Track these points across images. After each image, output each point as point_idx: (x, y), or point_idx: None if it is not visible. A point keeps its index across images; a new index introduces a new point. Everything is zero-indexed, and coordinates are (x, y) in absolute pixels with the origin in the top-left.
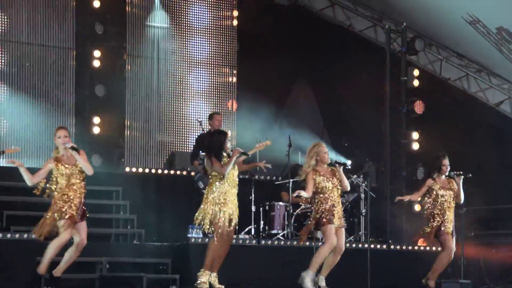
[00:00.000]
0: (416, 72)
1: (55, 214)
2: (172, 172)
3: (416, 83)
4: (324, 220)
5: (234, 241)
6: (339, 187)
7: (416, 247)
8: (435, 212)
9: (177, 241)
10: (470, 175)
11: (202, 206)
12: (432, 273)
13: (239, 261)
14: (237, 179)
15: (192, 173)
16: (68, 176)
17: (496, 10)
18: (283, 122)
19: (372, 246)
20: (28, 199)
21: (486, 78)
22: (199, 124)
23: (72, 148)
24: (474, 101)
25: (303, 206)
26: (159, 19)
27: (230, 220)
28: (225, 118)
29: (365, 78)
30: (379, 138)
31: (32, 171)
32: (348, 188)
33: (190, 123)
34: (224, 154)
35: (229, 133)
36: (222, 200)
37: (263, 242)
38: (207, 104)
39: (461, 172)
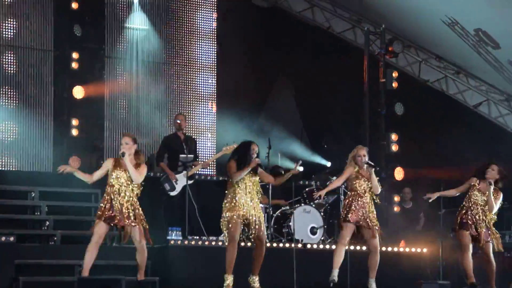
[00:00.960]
0: (395, 74)
1: (98, 213)
2: (151, 174)
3: (395, 85)
4: (342, 217)
5: (213, 243)
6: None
7: (395, 249)
8: None
9: (156, 244)
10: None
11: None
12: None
13: (218, 263)
14: (254, 187)
15: (158, 174)
16: (116, 179)
17: (474, 12)
18: (263, 124)
19: (352, 247)
20: (6, 202)
21: (465, 79)
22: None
23: (123, 154)
24: (453, 102)
25: (283, 208)
26: (138, 21)
27: (251, 224)
28: (205, 119)
29: (345, 80)
30: (359, 139)
31: (11, 174)
32: (378, 191)
33: (168, 125)
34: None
35: (256, 147)
36: (235, 206)
37: (242, 244)
38: (186, 106)
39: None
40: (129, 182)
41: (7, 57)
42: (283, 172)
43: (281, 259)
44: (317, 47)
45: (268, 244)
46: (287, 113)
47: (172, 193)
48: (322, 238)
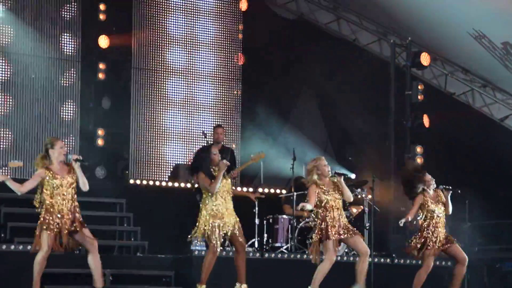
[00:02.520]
0: (420, 87)
1: (42, 226)
2: (176, 184)
3: (420, 97)
4: (323, 236)
5: None
6: (340, 199)
7: (420, 261)
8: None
9: (180, 254)
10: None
11: (197, 222)
12: None
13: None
14: (230, 191)
15: (189, 185)
16: (57, 187)
17: (501, 25)
18: (288, 135)
19: (376, 260)
20: (32, 211)
21: (491, 93)
22: (203, 136)
23: (76, 160)
24: (479, 116)
25: (306, 220)
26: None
27: (231, 232)
28: (230, 131)
29: (370, 92)
30: (383, 152)
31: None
32: (351, 199)
33: (194, 135)
34: (214, 167)
35: (216, 148)
36: (215, 214)
37: (266, 255)
38: (212, 117)
39: (449, 187)
40: (67, 187)
41: (27, 67)
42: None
43: (305, 271)
44: (342, 59)
45: (292, 256)
46: (312, 125)
47: None
48: (346, 250)
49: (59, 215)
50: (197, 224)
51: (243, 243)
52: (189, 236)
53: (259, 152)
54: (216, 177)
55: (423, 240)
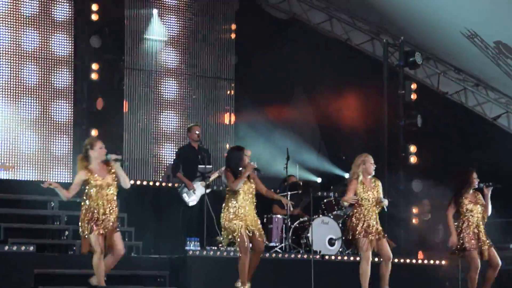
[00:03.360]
0: (413, 86)
1: (86, 228)
2: (170, 184)
3: (413, 96)
4: (357, 234)
5: (232, 253)
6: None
7: (414, 260)
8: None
9: (175, 254)
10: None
11: (222, 223)
12: None
13: (236, 273)
14: (253, 193)
15: (176, 185)
16: (98, 187)
17: (494, 25)
18: (281, 135)
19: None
20: (26, 211)
21: (484, 92)
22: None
23: (116, 160)
24: (472, 115)
25: (301, 220)
26: (156, 32)
27: (252, 232)
28: (223, 131)
29: (363, 92)
30: (377, 151)
31: (31, 184)
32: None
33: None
34: (241, 169)
35: (249, 151)
36: (239, 215)
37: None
38: (205, 117)
39: (490, 183)
40: (108, 187)
41: (27, 68)
42: (301, 184)
43: (299, 270)
44: (335, 59)
45: (286, 255)
46: (305, 125)
47: (192, 203)
48: (340, 250)
49: (102, 216)
50: (222, 226)
51: (261, 246)
52: (217, 238)
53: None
54: (240, 176)
55: (461, 241)
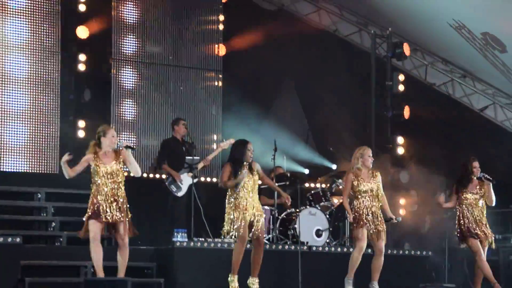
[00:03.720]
0: (401, 77)
1: (88, 214)
2: (157, 176)
3: (401, 88)
4: (355, 224)
5: (219, 245)
6: (376, 190)
7: (401, 251)
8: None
9: (162, 245)
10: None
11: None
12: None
13: (224, 264)
14: (254, 186)
15: (164, 176)
16: (103, 174)
17: (481, 16)
18: (269, 126)
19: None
20: (12, 203)
21: (471, 83)
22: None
23: (127, 147)
24: (459, 106)
25: (288, 211)
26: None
27: (251, 224)
28: (211, 122)
29: (351, 83)
30: (365, 142)
31: (18, 176)
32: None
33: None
34: (245, 163)
35: (251, 146)
36: (237, 206)
37: (248, 245)
38: (192, 109)
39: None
40: (115, 174)
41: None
42: (288, 175)
43: (286, 262)
44: (323, 50)
45: (274, 246)
46: (293, 116)
47: (179, 194)
48: (328, 241)
49: (104, 203)
50: (225, 220)
51: (261, 239)
52: (221, 231)
53: (228, 139)
54: (235, 179)
55: (459, 229)
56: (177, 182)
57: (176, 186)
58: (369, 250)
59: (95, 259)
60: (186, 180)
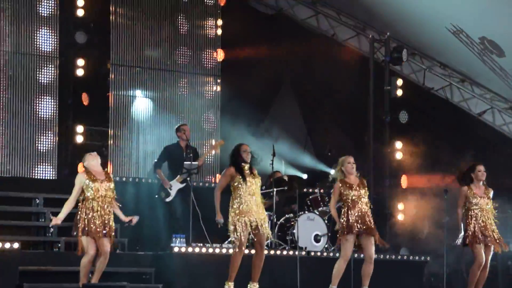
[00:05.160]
0: (399, 82)
1: (79, 230)
2: (156, 181)
3: (399, 92)
4: (340, 232)
5: (217, 250)
6: (364, 196)
7: (399, 256)
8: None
9: (160, 251)
10: None
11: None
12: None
13: (222, 270)
14: (257, 189)
15: (155, 181)
16: (95, 191)
17: (479, 21)
18: (267, 131)
19: (356, 255)
20: (10, 208)
21: (469, 87)
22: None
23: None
24: (457, 110)
25: (286, 216)
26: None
27: (255, 227)
28: (209, 127)
29: (349, 87)
30: (363, 147)
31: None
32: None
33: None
34: (243, 164)
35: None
36: (242, 210)
37: (246, 251)
38: (190, 113)
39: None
40: (105, 193)
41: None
42: (286, 179)
43: (284, 267)
44: (321, 54)
45: (272, 252)
46: (292, 120)
47: (167, 199)
48: (326, 246)
49: (96, 219)
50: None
51: (263, 244)
52: (230, 239)
53: (219, 140)
54: (243, 181)
55: (466, 234)
56: (166, 188)
57: (165, 192)
58: (362, 256)
59: (87, 271)
60: (175, 185)
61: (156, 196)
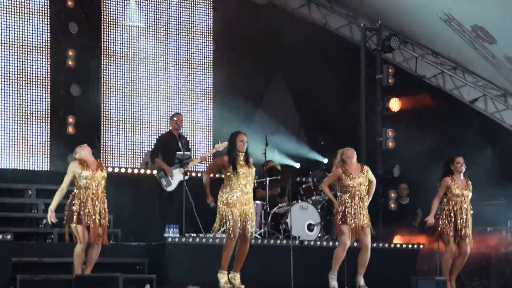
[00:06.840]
0: (391, 70)
1: (73, 219)
2: (148, 172)
3: (391, 81)
4: (340, 220)
5: (211, 240)
6: (365, 184)
7: (392, 245)
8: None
9: (153, 241)
10: None
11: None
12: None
13: (215, 260)
14: (247, 183)
15: (155, 172)
16: (88, 180)
17: (471, 9)
18: (260, 121)
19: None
20: (3, 200)
21: (461, 75)
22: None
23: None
24: (450, 98)
25: (280, 205)
26: (134, 18)
27: (243, 218)
28: (202, 117)
29: (341, 76)
30: (355, 136)
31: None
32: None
33: (165, 122)
34: (239, 153)
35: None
36: (230, 201)
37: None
38: (183, 104)
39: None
40: (98, 181)
41: (2, 55)
42: (279, 169)
43: (278, 256)
44: (313, 43)
45: (265, 241)
46: (284, 110)
47: (169, 189)
48: (319, 235)
49: (89, 208)
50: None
51: (247, 235)
52: (213, 227)
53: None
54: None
55: (440, 224)
56: (168, 176)
57: (167, 181)
58: (355, 244)
59: (81, 260)
60: (177, 176)
61: (158, 184)
